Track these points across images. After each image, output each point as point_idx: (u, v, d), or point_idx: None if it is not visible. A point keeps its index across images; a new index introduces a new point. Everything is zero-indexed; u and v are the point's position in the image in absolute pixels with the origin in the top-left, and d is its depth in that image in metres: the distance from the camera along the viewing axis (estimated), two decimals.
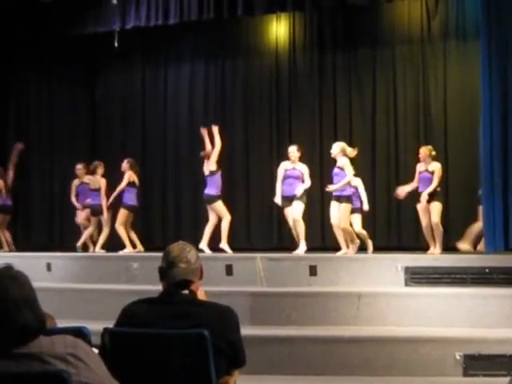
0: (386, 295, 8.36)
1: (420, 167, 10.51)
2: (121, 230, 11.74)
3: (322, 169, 12.45)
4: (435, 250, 10.24)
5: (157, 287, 3.73)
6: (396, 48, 12.52)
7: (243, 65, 13.45)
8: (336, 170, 10.45)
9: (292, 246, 10.99)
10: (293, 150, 11.04)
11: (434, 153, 10.50)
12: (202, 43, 13.46)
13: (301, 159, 11.02)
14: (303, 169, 11.00)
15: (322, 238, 12.23)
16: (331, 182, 10.53)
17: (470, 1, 11.55)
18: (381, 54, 12.61)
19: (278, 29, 13.25)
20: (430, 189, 10.25)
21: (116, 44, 12.00)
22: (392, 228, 12.38)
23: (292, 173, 10.94)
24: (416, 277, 8.81)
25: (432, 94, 12.29)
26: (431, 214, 10.29)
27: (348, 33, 12.71)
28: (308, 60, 13.06)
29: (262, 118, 13.15)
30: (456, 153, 11.81)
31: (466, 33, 11.93)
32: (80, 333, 3.31)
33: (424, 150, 10.49)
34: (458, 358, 7.18)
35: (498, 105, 9.65)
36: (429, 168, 10.40)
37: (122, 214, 11.80)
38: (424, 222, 10.41)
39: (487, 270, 8.65)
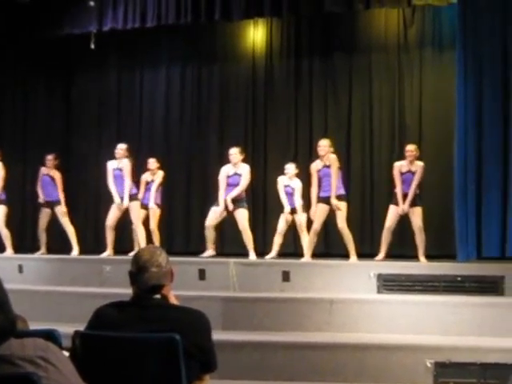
0: (359, 302, 8.38)
1: (402, 168, 10.43)
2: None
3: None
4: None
5: (129, 291, 3.71)
6: (372, 56, 12.54)
7: (220, 70, 13.41)
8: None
9: (266, 251, 11.00)
10: (235, 152, 10.65)
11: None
12: (179, 47, 13.41)
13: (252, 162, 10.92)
14: (244, 170, 10.66)
15: (295, 244, 12.21)
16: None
17: (447, 11, 11.61)
18: (357, 61, 12.63)
19: (255, 34, 13.24)
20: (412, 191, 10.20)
21: (92, 46, 11.94)
22: (365, 235, 12.38)
23: (233, 180, 10.61)
24: (388, 284, 8.85)
25: (407, 102, 12.33)
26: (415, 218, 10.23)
27: (325, 40, 12.72)
28: (284, 66, 13.07)
29: (237, 123, 13.12)
30: (430, 161, 11.82)
31: (442, 42, 11.99)
32: (50, 336, 3.29)
33: (415, 148, 10.50)
34: (428, 365, 7.21)
35: (472, 114, 9.71)
36: (412, 168, 10.37)
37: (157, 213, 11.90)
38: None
39: (459, 279, 8.70)
